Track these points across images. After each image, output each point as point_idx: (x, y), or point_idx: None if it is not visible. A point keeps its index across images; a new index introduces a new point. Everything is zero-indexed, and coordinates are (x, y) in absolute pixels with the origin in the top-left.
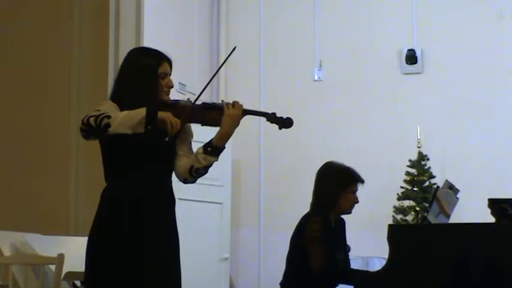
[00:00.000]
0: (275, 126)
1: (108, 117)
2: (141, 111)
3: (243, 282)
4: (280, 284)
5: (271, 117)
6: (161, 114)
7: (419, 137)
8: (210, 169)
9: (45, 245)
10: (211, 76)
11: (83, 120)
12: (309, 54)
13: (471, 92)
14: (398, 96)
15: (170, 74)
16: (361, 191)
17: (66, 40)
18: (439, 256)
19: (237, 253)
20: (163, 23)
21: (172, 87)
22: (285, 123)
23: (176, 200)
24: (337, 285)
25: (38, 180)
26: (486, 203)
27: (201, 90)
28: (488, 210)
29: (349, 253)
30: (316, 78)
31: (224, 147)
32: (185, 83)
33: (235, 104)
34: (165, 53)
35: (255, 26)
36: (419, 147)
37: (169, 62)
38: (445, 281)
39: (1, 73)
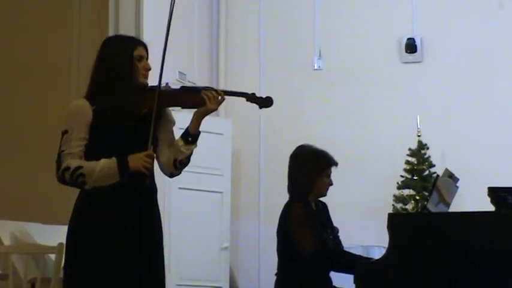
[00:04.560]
0: (274, 116)
1: (83, 175)
2: (113, 165)
3: (243, 271)
4: (275, 274)
5: (251, 97)
6: (132, 162)
7: (419, 126)
8: (211, 158)
9: (45, 234)
10: (211, 65)
11: (58, 173)
12: (308, 44)
13: (471, 80)
14: (398, 85)
15: (147, 58)
16: (361, 180)
17: (66, 28)
18: (439, 245)
19: (237, 242)
20: (163, 12)
21: (149, 69)
22: (264, 102)
23: (177, 189)
24: (330, 268)
25: (38, 169)
26: (486, 191)
27: (160, 70)
28: (488, 199)
29: (349, 242)
30: (316, 68)
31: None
32: (185, 72)
33: (213, 99)
34: (138, 37)
35: (254, 15)
36: (419, 136)
37: (143, 45)
38: (444, 270)
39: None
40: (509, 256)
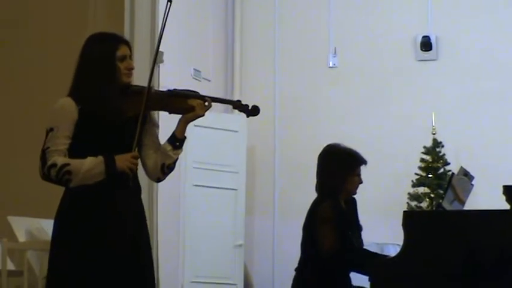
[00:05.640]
0: (289, 113)
1: (69, 173)
2: (99, 163)
3: (257, 268)
4: (295, 269)
5: (238, 105)
6: (118, 162)
7: (434, 124)
8: (226, 155)
9: None
10: (226, 62)
11: (43, 169)
12: (323, 41)
13: (485, 78)
14: (413, 83)
15: (130, 57)
16: (376, 178)
17: (81, 28)
18: (454, 243)
19: (252, 239)
20: (178, 10)
21: (132, 69)
22: (251, 111)
23: (191, 186)
24: (350, 269)
25: None
26: (501, 189)
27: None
28: (503, 197)
29: (364, 240)
30: (331, 65)
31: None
32: (200, 70)
33: (200, 105)
34: (121, 35)
35: (269, 14)
36: (434, 134)
37: (127, 44)
38: (458, 268)
39: (12, 50)
40: None
